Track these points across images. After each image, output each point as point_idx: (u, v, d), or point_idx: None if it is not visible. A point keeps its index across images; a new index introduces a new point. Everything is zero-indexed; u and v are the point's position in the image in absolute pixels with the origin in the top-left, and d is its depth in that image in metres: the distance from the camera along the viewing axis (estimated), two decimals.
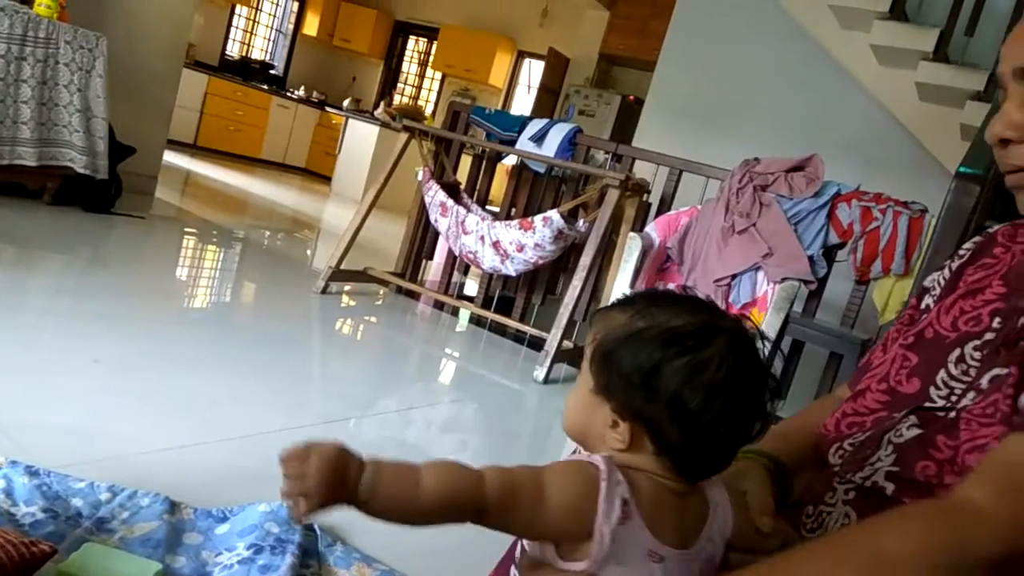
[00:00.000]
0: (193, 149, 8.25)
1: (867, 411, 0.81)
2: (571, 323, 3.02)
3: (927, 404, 0.74)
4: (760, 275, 2.49)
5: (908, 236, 2.50)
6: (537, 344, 3.18)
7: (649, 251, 2.71)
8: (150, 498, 1.33)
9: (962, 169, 1.96)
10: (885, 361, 0.84)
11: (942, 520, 0.59)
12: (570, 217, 3.28)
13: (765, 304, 2.42)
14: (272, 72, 9.82)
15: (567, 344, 3.01)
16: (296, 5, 10.03)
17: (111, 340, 2.15)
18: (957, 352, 0.76)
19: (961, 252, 0.88)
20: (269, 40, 9.98)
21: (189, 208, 5.06)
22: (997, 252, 0.83)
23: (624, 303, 0.67)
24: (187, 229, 4.38)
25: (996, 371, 0.70)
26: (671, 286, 2.80)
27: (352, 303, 3.55)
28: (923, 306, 0.88)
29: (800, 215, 2.56)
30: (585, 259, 3.00)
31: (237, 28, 9.45)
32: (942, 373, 0.75)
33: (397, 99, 10.17)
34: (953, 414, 0.71)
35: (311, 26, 10.00)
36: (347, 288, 3.68)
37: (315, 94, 9.83)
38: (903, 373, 0.80)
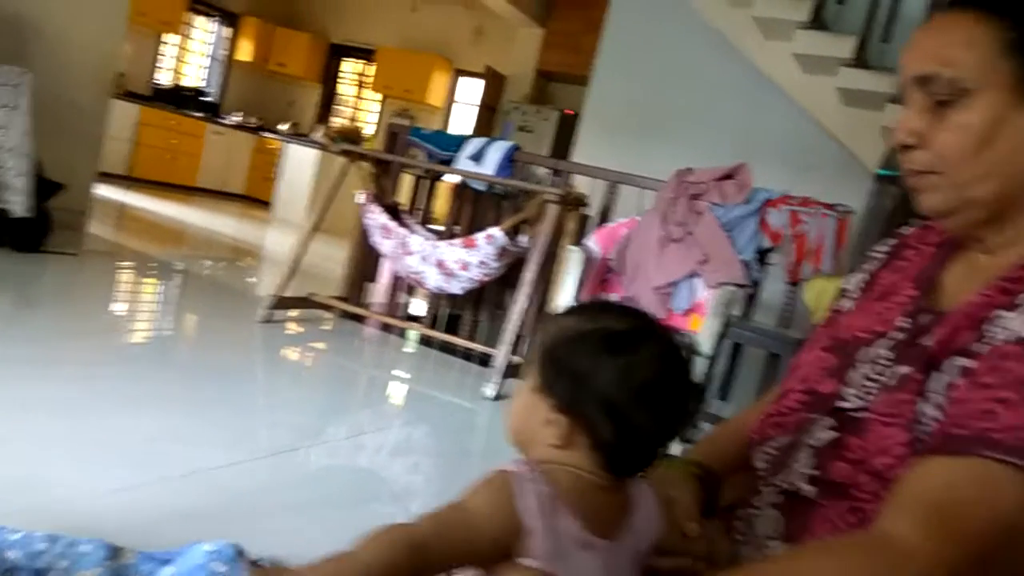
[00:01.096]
0: (128, 181, 8.03)
1: (789, 411, 0.83)
2: (519, 338, 3.03)
3: (842, 404, 0.77)
4: (698, 282, 2.55)
5: (836, 237, 2.59)
6: (487, 361, 3.18)
7: (591, 263, 2.75)
8: (91, 545, 1.29)
9: (880, 172, 2.06)
10: (806, 362, 0.86)
11: (866, 559, 0.59)
12: (513, 233, 3.31)
13: (704, 309, 2.48)
14: (206, 99, 9.66)
15: (516, 359, 3.02)
16: (229, 31, 9.90)
17: (43, 385, 2.09)
18: (870, 352, 0.78)
19: (876, 255, 0.90)
20: (202, 67, 9.82)
21: (124, 242, 4.94)
22: (909, 255, 0.86)
23: (574, 309, 0.73)
24: (122, 264, 4.27)
25: (903, 369, 0.72)
26: (614, 296, 2.85)
27: (299, 330, 3.51)
28: (841, 308, 0.91)
29: (733, 222, 2.63)
30: (529, 274, 3.02)
31: (168, 56, 9.28)
32: (856, 373, 0.78)
33: (337, 121, 10.10)
34: (864, 414, 0.73)
35: (245, 52, 9.88)
36: (292, 315, 3.63)
37: (252, 119, 9.70)
38: (821, 373, 0.82)
